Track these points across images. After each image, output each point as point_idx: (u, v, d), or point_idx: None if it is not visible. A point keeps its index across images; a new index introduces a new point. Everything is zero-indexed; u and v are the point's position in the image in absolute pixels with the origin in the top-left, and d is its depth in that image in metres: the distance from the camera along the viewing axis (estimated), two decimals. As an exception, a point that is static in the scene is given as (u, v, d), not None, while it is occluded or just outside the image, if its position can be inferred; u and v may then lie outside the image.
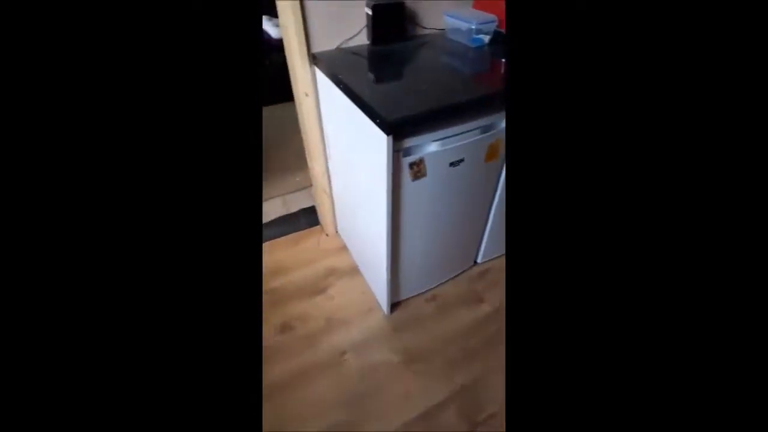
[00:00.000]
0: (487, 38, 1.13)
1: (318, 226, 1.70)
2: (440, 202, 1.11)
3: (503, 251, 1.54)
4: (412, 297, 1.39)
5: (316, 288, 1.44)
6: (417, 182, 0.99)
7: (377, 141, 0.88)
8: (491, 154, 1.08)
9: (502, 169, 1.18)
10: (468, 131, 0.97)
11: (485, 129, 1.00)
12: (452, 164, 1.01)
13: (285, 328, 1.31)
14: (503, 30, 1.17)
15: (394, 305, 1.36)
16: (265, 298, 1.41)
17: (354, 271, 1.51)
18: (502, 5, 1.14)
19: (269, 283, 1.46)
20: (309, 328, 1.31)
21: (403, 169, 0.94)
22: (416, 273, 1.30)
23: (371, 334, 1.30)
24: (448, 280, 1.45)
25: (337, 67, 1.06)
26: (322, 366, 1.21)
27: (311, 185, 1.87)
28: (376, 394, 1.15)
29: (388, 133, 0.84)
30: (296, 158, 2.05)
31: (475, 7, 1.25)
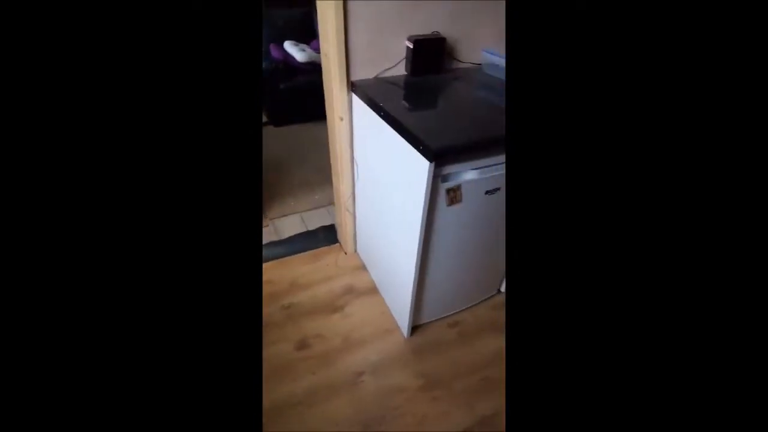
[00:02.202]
0: (523, 75, 1.18)
1: (336, 244, 1.72)
2: (472, 228, 1.13)
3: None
4: (433, 321, 1.39)
5: (333, 306, 1.44)
6: (452, 208, 1.01)
7: (418, 166, 0.91)
8: (525, 185, 1.10)
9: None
10: (503, 162, 1.00)
11: (521, 161, 1.03)
12: (488, 192, 1.04)
13: (302, 345, 1.30)
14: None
15: (414, 328, 1.35)
16: (282, 313, 1.41)
17: (372, 290, 1.51)
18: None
19: (287, 299, 1.46)
20: (326, 346, 1.31)
21: (440, 195, 0.97)
22: (440, 297, 1.30)
23: (389, 356, 1.29)
24: (470, 307, 1.44)
25: (376, 94, 1.11)
26: (338, 386, 1.20)
27: (331, 203, 1.90)
28: (393, 418, 1.13)
29: (430, 160, 0.87)
30: (315, 176, 2.10)
31: (511, 44, 1.31)
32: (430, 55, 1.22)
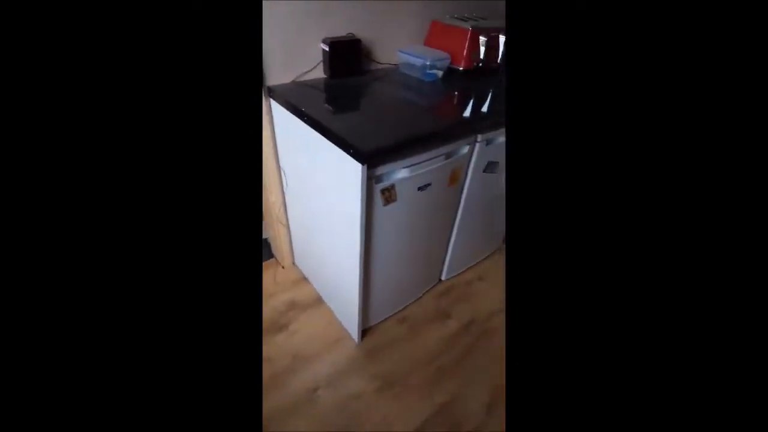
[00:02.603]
0: (440, 73, 1.23)
1: (272, 259, 1.63)
2: (409, 224, 1.15)
3: (465, 267, 1.63)
4: (382, 321, 1.39)
5: (277, 325, 1.37)
6: (388, 207, 1.02)
7: (350, 170, 0.89)
8: (453, 178, 1.16)
9: (462, 191, 1.27)
10: (434, 158, 1.03)
11: (448, 155, 1.08)
12: (420, 188, 1.06)
13: (250, 370, 1.21)
14: (456, 66, 1.29)
15: (364, 332, 1.34)
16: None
17: (316, 302, 1.46)
18: (452, 43, 1.27)
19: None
20: (274, 368, 1.23)
21: (375, 196, 0.97)
22: (386, 296, 1.31)
23: (343, 366, 1.26)
24: (415, 300, 1.48)
25: (297, 99, 1.07)
26: (293, 407, 1.14)
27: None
28: (356, 425, 1.11)
29: (362, 163, 0.86)
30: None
31: (426, 44, 1.37)
32: (347, 57, 1.21)
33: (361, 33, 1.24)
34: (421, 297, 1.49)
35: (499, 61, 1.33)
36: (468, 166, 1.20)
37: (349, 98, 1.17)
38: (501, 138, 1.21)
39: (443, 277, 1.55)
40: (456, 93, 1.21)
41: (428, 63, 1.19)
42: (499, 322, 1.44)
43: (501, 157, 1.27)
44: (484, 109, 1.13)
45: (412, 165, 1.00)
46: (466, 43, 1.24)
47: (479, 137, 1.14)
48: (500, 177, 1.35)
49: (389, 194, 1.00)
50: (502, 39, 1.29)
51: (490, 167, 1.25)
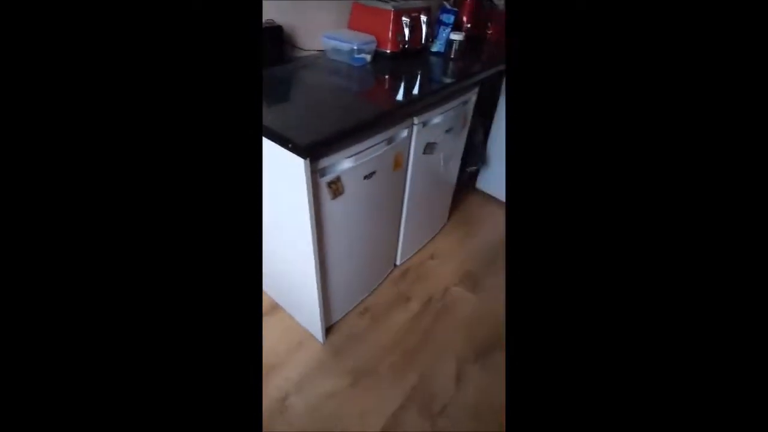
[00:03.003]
0: (368, 57, 1.21)
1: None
2: (360, 215, 1.13)
3: (417, 248, 1.66)
4: (344, 316, 1.37)
5: (234, 338, 1.28)
6: (336, 200, 0.99)
7: (293, 166, 0.84)
8: (397, 162, 1.15)
9: (406, 175, 1.27)
10: (375, 144, 1.02)
11: (389, 141, 1.07)
12: (366, 177, 1.04)
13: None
14: (383, 49, 1.27)
15: (327, 330, 1.31)
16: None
17: (273, 308, 1.39)
18: (376, 25, 1.24)
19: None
20: (238, 385, 1.15)
21: (321, 190, 0.93)
22: (345, 291, 1.29)
23: (311, 368, 1.22)
24: (375, 289, 1.47)
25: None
26: (266, 421, 1.08)
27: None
28: (334, 424, 1.09)
29: (304, 157, 0.81)
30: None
31: (350, 27, 1.32)
32: (269, 44, 1.13)
33: (281, 19, 1.16)
34: (379, 285, 1.50)
35: (423, 41, 1.34)
36: (409, 150, 1.21)
37: (277, 89, 1.09)
38: (436, 119, 1.23)
39: (398, 262, 1.57)
40: (387, 77, 1.20)
41: (356, 47, 1.16)
42: (455, 294, 1.50)
43: (438, 138, 1.30)
44: (416, 91, 1.14)
45: (355, 154, 0.97)
46: (390, 25, 1.22)
47: (416, 120, 1.15)
48: (439, 156, 1.38)
49: (336, 187, 0.96)
50: (424, 19, 1.30)
51: (428, 148, 1.27)
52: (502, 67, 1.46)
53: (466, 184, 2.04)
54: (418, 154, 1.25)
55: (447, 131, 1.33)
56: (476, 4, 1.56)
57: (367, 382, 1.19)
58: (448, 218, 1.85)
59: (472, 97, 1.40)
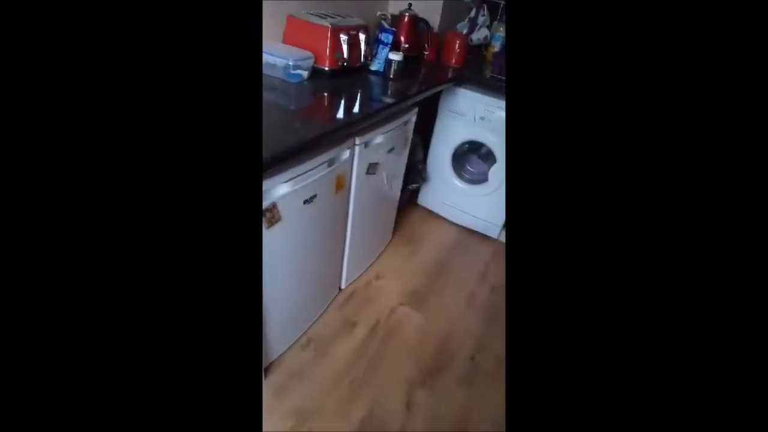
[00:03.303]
0: (305, 74, 1.14)
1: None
2: (300, 242, 1.04)
3: (362, 269, 1.60)
4: (286, 351, 1.25)
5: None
6: (272, 229, 0.90)
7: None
8: (339, 185, 1.10)
9: (349, 197, 1.22)
10: (315, 167, 0.95)
11: (330, 163, 1.01)
12: (306, 201, 0.97)
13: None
14: (320, 66, 1.21)
15: (266, 369, 1.19)
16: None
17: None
18: (314, 41, 1.18)
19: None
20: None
21: (256, 219, 0.84)
22: (285, 323, 1.18)
23: (248, 413, 1.09)
24: (318, 318, 1.38)
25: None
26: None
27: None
28: (276, 480, 0.97)
29: (234, 183, 0.72)
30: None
31: (285, 42, 1.25)
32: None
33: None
34: (324, 312, 1.41)
35: (361, 60, 1.32)
36: (351, 171, 1.16)
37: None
38: (378, 139, 1.20)
39: (343, 286, 1.50)
40: (326, 94, 1.15)
41: (291, 63, 1.09)
42: (402, 314, 1.47)
43: (380, 158, 1.27)
44: (358, 110, 1.10)
45: (293, 178, 0.89)
46: (328, 42, 1.18)
47: (357, 140, 1.11)
48: (382, 176, 1.35)
49: (272, 215, 0.88)
50: (362, 38, 1.28)
51: (371, 168, 1.24)
52: (440, 88, 1.49)
53: (407, 201, 2.05)
54: (361, 175, 1.21)
55: (389, 151, 1.31)
56: (413, 25, 1.59)
57: (311, 424, 1.10)
58: (392, 235, 1.84)
59: (412, 117, 1.40)
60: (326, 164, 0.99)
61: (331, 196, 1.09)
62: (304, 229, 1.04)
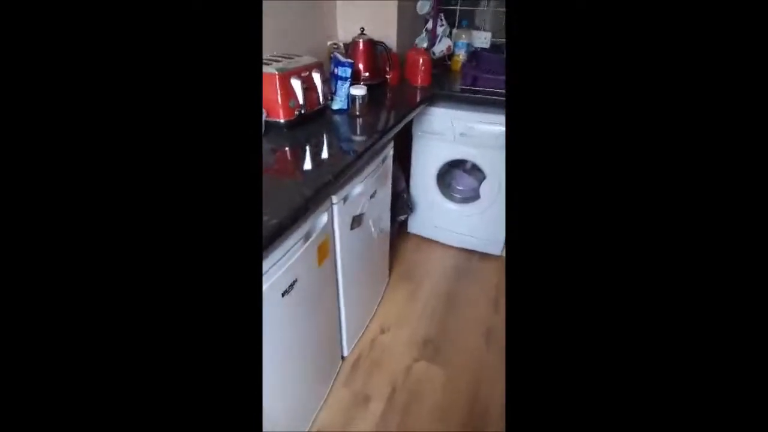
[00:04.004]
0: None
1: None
2: (285, 336, 0.86)
3: (363, 327, 1.42)
4: (294, 452, 1.06)
5: None
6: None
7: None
8: (322, 254, 0.93)
9: (336, 261, 1.05)
10: (289, 249, 0.78)
11: (307, 236, 0.84)
12: (285, 293, 0.79)
13: None
14: (274, 119, 1.05)
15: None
16: None
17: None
18: (263, 93, 1.02)
19: None
20: None
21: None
22: (285, 421, 0.99)
23: None
24: (325, 401, 1.19)
25: None
26: None
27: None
28: None
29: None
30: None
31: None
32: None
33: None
34: (330, 392, 1.22)
35: (321, 101, 1.16)
36: (333, 235, 1.00)
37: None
38: (357, 189, 1.04)
39: (345, 353, 1.32)
40: (287, 152, 0.98)
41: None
42: (419, 372, 1.30)
43: (363, 208, 1.11)
44: (329, 164, 0.93)
45: (264, 273, 0.72)
46: (278, 91, 1.02)
47: (334, 198, 0.94)
48: (368, 225, 1.19)
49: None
50: (317, 77, 1.12)
51: (356, 222, 1.08)
52: (413, 115, 1.35)
53: (397, 233, 1.90)
54: (345, 233, 1.04)
55: (372, 196, 1.16)
56: (370, 50, 1.45)
57: None
58: (389, 275, 1.67)
59: (389, 151, 1.25)
60: (302, 240, 0.82)
61: (314, 271, 0.92)
62: (288, 323, 0.86)
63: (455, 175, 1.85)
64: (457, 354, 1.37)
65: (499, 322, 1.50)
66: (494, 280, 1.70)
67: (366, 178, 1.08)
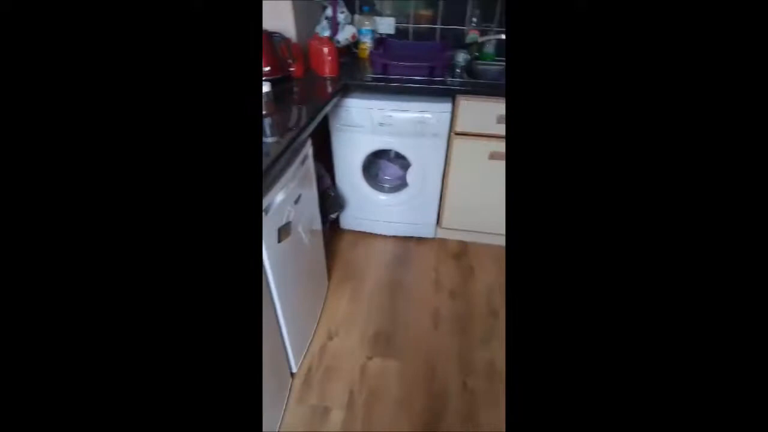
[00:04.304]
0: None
1: None
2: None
3: (309, 336, 1.35)
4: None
5: None
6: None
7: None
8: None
9: (267, 279, 0.96)
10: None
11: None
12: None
13: None
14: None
15: None
16: None
17: None
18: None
19: None
20: None
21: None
22: None
23: None
24: (281, 423, 1.11)
25: None
26: None
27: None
28: None
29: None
30: None
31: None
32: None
33: None
34: (284, 414, 1.14)
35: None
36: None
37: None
38: (278, 197, 0.96)
39: (294, 370, 1.24)
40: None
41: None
42: (374, 369, 1.28)
43: (289, 216, 1.03)
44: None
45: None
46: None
47: (254, 211, 0.85)
48: (298, 231, 1.11)
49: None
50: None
51: (283, 233, 0.99)
52: (327, 109, 1.28)
53: (331, 231, 1.83)
54: (273, 246, 0.95)
55: (296, 201, 1.08)
56: (267, 42, 1.33)
57: None
58: (329, 278, 1.61)
59: (308, 150, 1.17)
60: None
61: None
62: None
63: (381, 166, 1.84)
64: (408, 341, 1.38)
65: (442, 301, 1.55)
66: (432, 262, 1.75)
67: (287, 183, 1.00)
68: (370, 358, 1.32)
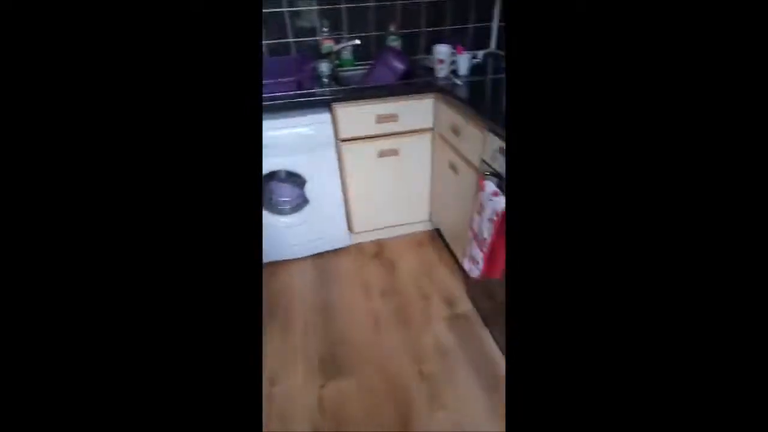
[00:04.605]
0: None
1: None
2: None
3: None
4: None
5: None
6: None
7: None
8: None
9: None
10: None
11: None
12: None
13: None
14: None
15: None
16: None
17: None
18: None
19: None
20: None
21: None
22: None
23: None
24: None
25: None
26: None
27: None
28: None
29: None
30: None
31: None
32: None
33: None
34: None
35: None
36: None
37: None
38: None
39: None
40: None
41: None
42: (331, 397, 1.22)
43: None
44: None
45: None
46: None
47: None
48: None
49: None
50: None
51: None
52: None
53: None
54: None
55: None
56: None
57: None
58: (253, 322, 1.47)
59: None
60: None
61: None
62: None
63: (273, 189, 1.75)
64: (355, 355, 1.35)
65: (375, 303, 1.55)
66: (354, 269, 1.74)
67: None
68: (323, 386, 1.25)
